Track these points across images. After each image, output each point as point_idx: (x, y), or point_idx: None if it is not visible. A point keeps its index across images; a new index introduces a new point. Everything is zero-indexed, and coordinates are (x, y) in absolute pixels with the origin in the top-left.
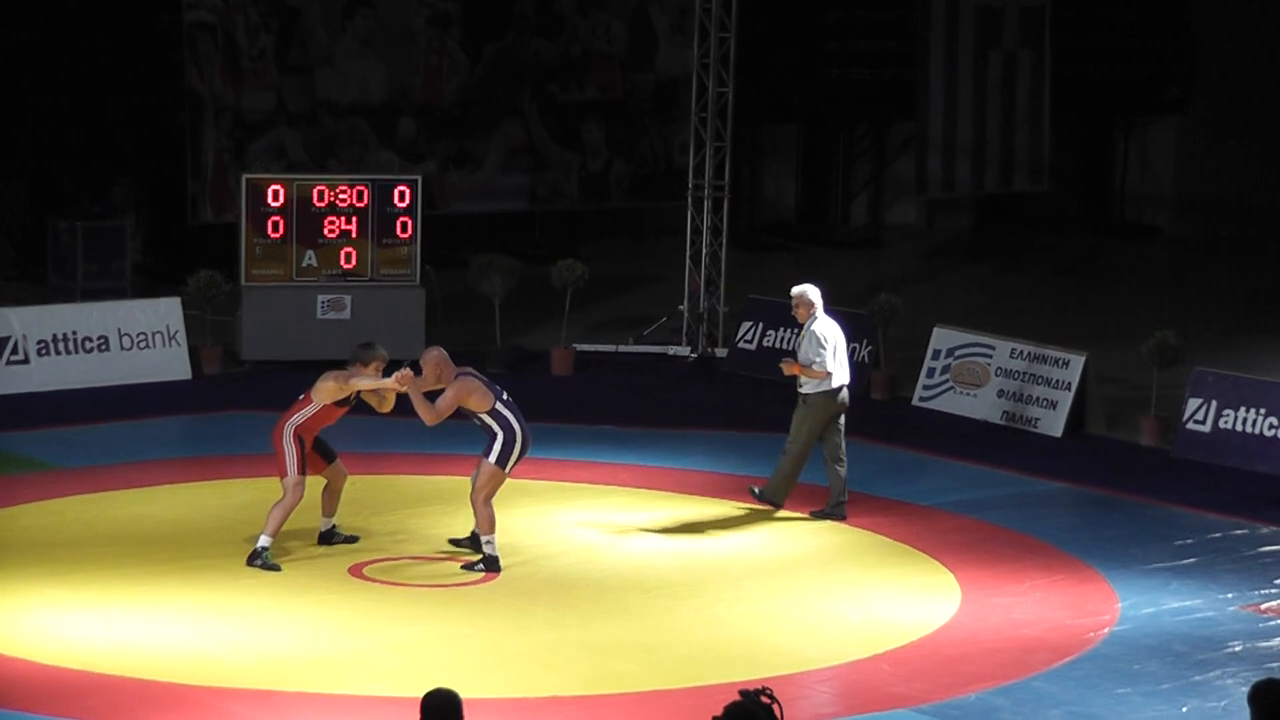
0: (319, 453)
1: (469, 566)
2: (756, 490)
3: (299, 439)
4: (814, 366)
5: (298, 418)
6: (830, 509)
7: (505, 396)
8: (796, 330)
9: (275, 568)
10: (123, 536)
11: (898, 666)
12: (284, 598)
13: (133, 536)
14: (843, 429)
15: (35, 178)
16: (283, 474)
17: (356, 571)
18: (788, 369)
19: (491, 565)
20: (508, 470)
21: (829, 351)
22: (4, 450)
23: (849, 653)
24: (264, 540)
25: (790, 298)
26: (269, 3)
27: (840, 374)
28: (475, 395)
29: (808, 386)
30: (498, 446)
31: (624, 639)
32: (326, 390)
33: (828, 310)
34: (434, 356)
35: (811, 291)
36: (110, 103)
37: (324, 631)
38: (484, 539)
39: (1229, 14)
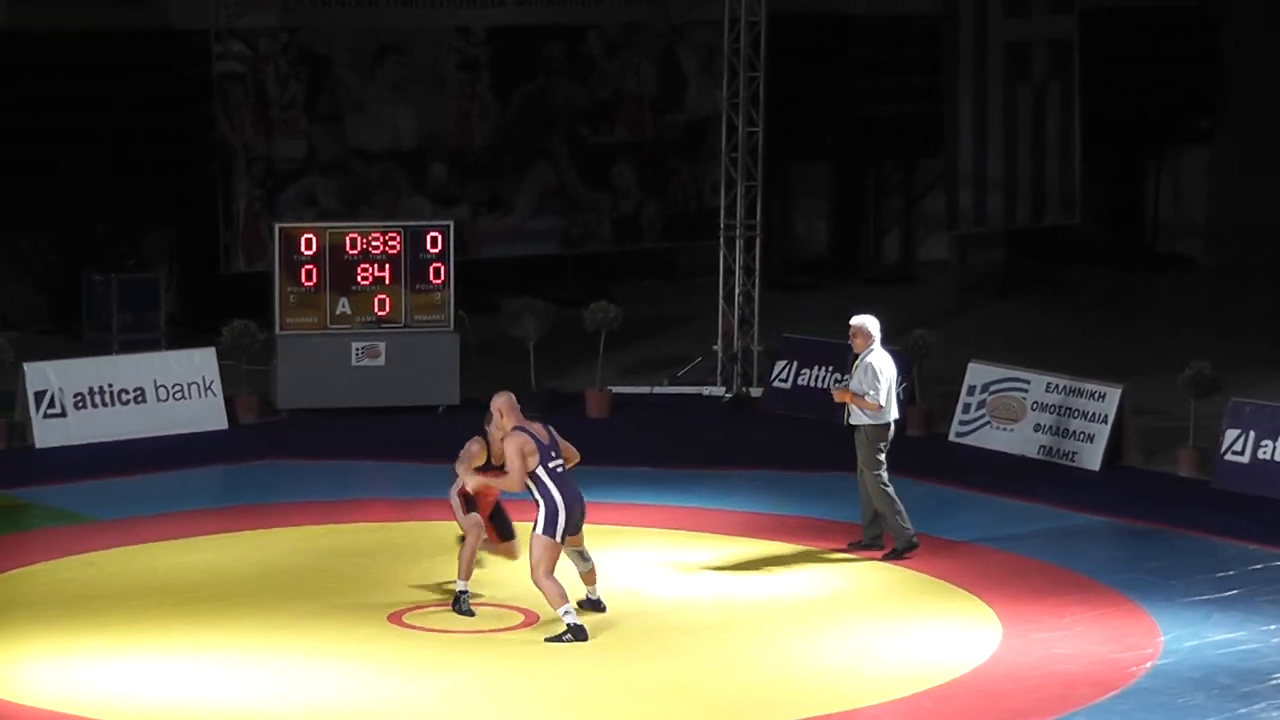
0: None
1: (554, 639)
2: (894, 551)
3: (465, 498)
4: (867, 398)
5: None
6: (867, 541)
7: (553, 463)
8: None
9: (470, 613)
10: (162, 588)
11: (940, 704)
12: (324, 646)
13: (172, 587)
14: (884, 463)
15: (68, 230)
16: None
17: (396, 619)
18: (839, 396)
19: (579, 634)
20: (559, 539)
21: (883, 385)
22: (43, 504)
23: (891, 691)
24: (460, 585)
25: (849, 328)
26: (299, 51)
27: (891, 409)
28: (528, 453)
29: (857, 418)
30: (541, 517)
31: (666, 681)
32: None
33: (884, 345)
34: (503, 403)
35: (871, 323)
36: (142, 154)
37: (364, 680)
38: (560, 611)
39: (1257, 42)
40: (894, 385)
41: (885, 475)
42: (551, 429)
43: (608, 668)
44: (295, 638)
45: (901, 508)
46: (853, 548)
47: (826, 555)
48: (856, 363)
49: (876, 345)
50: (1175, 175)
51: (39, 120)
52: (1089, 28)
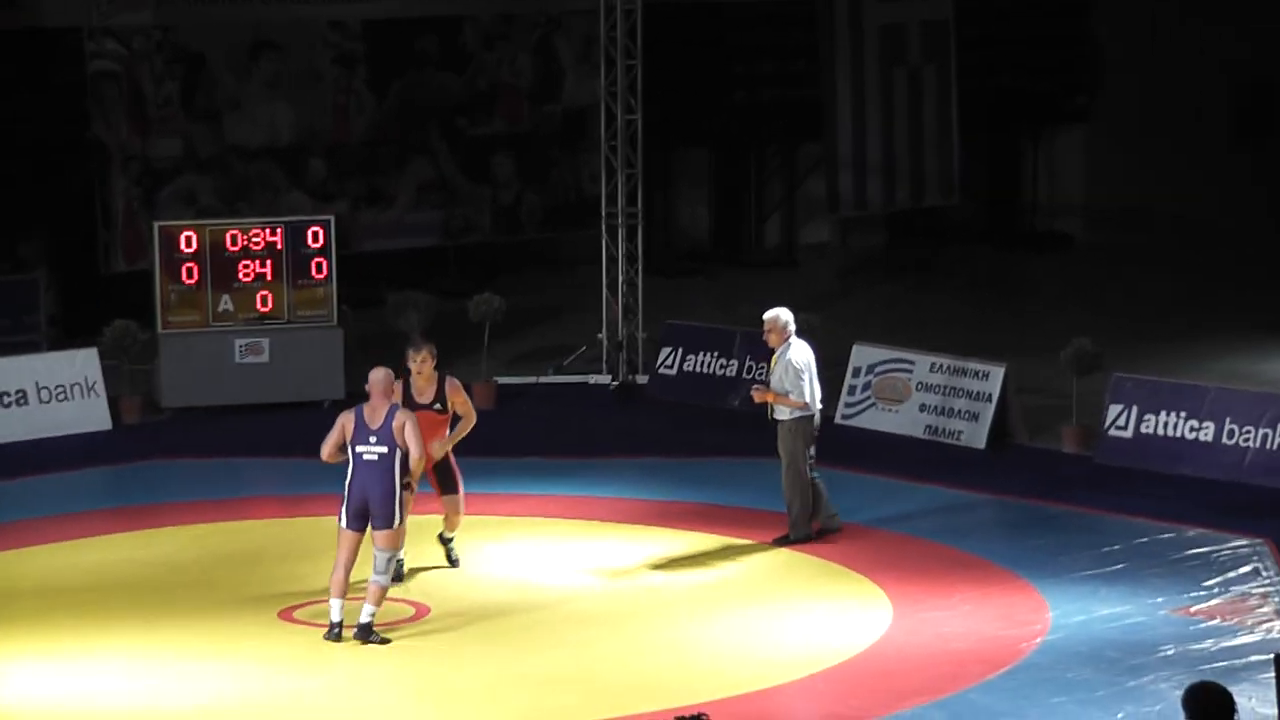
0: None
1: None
2: (785, 537)
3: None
4: (790, 396)
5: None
6: (823, 528)
7: (361, 446)
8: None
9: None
10: (49, 590)
11: (833, 685)
12: (215, 644)
13: (60, 589)
14: (814, 454)
15: None
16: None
17: (286, 615)
18: (759, 396)
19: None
20: (341, 524)
21: (805, 380)
22: None
23: (784, 674)
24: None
25: (763, 322)
26: (173, 49)
27: (815, 401)
28: (345, 425)
29: (782, 413)
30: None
31: (560, 671)
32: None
33: (799, 334)
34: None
35: (785, 315)
36: (16, 154)
37: (256, 677)
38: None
39: (1129, 22)
40: (815, 377)
41: (809, 467)
42: (397, 417)
43: (500, 659)
44: (185, 636)
45: (813, 505)
46: (777, 543)
47: (716, 541)
48: (774, 358)
49: (793, 338)
50: (1051, 155)
51: None
52: (963, 9)
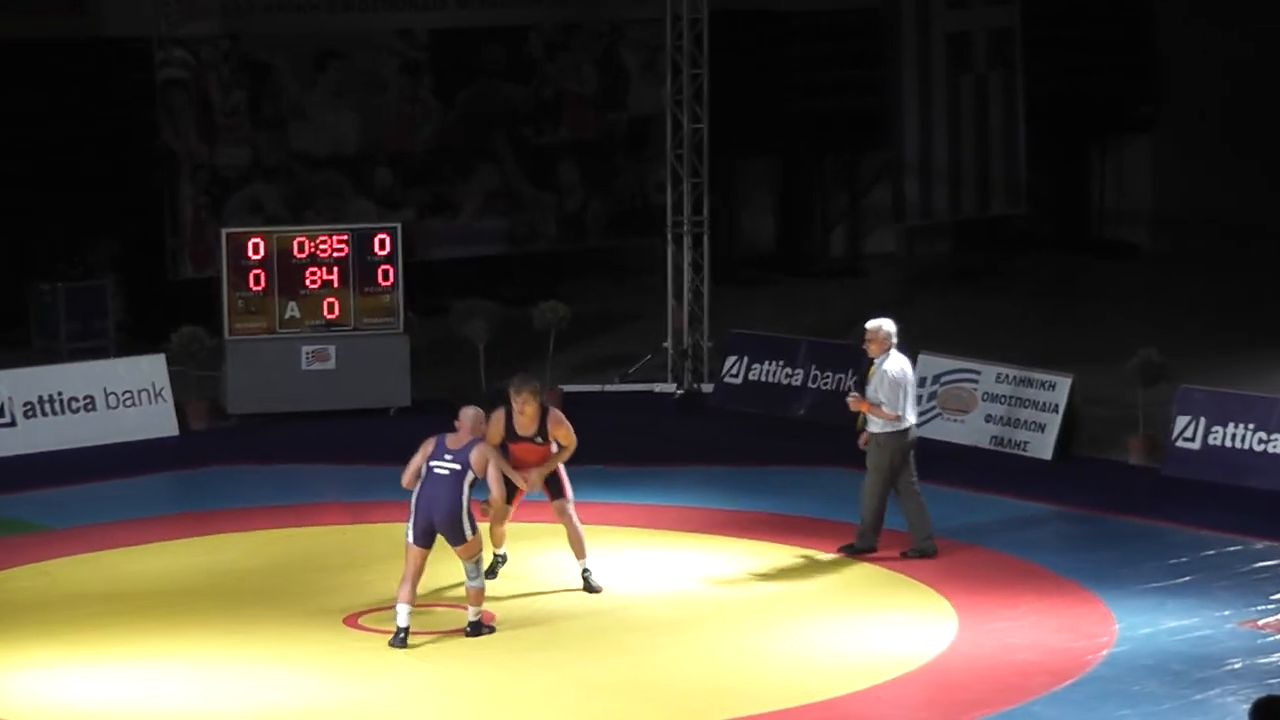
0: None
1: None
2: (851, 546)
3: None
4: (884, 408)
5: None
6: (919, 546)
7: (435, 462)
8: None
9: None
10: (114, 595)
11: (896, 697)
12: (278, 650)
13: (124, 595)
14: (914, 466)
15: (15, 240)
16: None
17: (352, 621)
18: (854, 404)
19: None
20: (409, 539)
21: (901, 392)
22: None
23: (846, 685)
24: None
25: (864, 332)
26: (240, 58)
27: (911, 414)
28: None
29: (875, 426)
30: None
31: (621, 678)
32: (481, 461)
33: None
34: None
35: (887, 325)
36: (87, 162)
37: (320, 683)
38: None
39: (1195, 30)
40: (911, 391)
41: (884, 484)
42: (479, 449)
43: (563, 665)
44: (249, 643)
45: (882, 523)
46: (905, 557)
47: (780, 550)
48: (873, 368)
49: (893, 350)
50: (1119, 162)
51: None
52: (1030, 16)
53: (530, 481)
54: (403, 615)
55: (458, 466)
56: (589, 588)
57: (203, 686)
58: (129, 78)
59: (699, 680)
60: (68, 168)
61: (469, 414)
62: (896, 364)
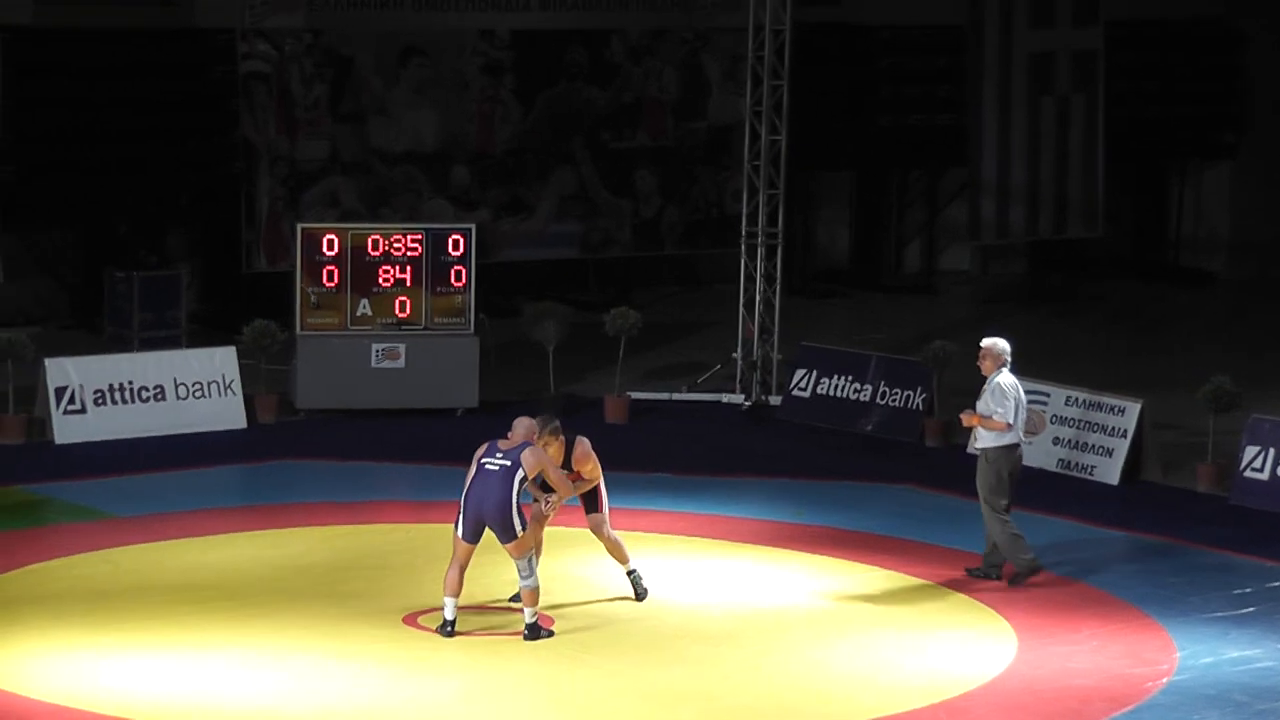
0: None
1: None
2: (980, 569)
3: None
4: (994, 416)
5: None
6: (985, 568)
7: (487, 459)
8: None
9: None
10: (178, 585)
11: (954, 716)
12: (338, 647)
13: (188, 585)
14: (1013, 489)
15: (91, 227)
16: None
17: (411, 620)
18: (967, 420)
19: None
20: (456, 532)
21: (1012, 405)
22: (61, 499)
23: (905, 702)
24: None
25: (977, 349)
26: (323, 52)
27: (1017, 431)
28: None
29: (984, 441)
30: None
31: (680, 688)
32: (533, 462)
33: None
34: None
35: (1001, 344)
36: (166, 152)
37: (377, 681)
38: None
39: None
40: (1023, 407)
41: (1005, 504)
42: (531, 452)
43: (622, 673)
44: (309, 638)
45: (1018, 536)
46: (970, 574)
47: (843, 565)
48: (984, 386)
49: (1005, 370)
50: (1198, 189)
51: (63, 118)
52: (1114, 40)
53: (550, 505)
54: (449, 608)
55: (508, 463)
56: (637, 591)
57: (262, 680)
58: (212, 69)
59: (758, 693)
60: (147, 157)
61: (522, 423)
62: (1007, 379)
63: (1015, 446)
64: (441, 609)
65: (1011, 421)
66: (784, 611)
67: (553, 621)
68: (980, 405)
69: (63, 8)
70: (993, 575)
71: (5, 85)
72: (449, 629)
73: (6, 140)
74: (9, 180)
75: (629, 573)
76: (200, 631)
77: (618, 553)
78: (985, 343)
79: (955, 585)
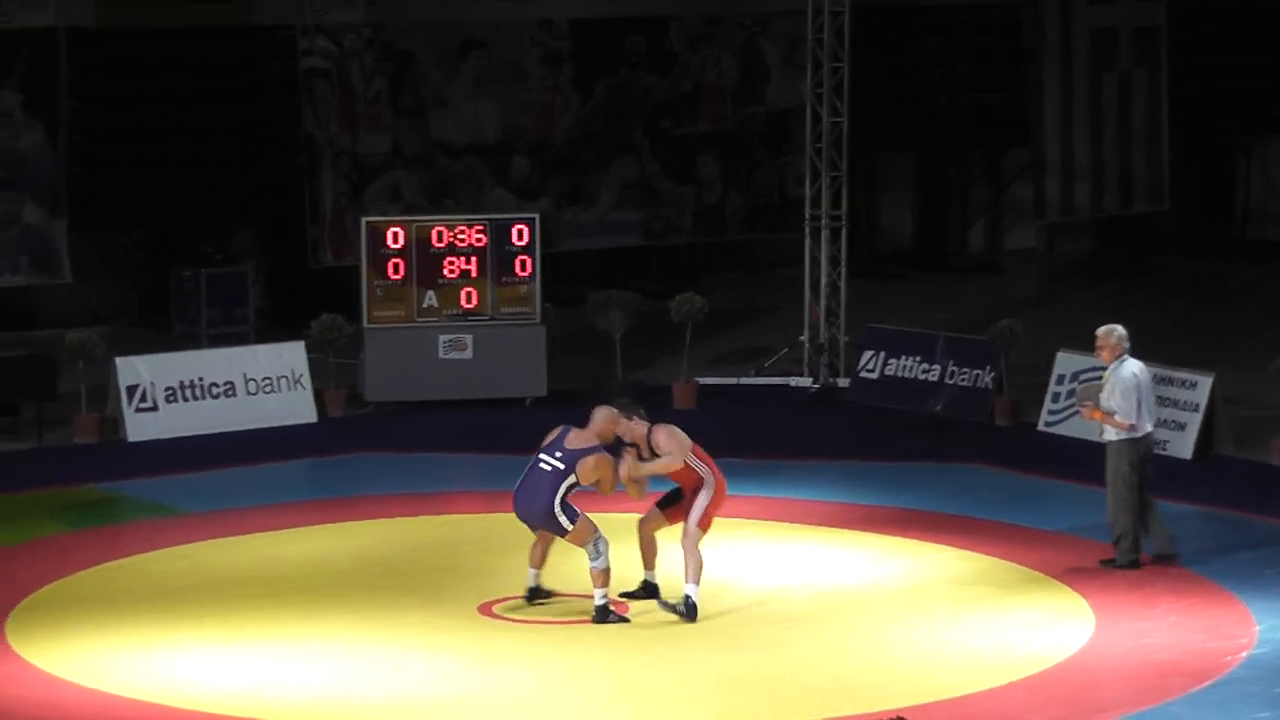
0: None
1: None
2: (1112, 561)
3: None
4: (1116, 416)
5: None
6: (1158, 549)
7: (545, 455)
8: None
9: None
10: (252, 579)
11: (1031, 694)
12: (414, 637)
13: (262, 579)
14: (1150, 475)
15: (157, 225)
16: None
17: (486, 610)
18: (1087, 414)
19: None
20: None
21: (1134, 400)
22: (134, 497)
23: (981, 681)
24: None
25: (1095, 337)
26: (383, 46)
27: (1145, 422)
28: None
29: (1110, 434)
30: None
31: (752, 672)
32: (589, 471)
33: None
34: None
35: (1119, 331)
36: (229, 149)
37: (452, 670)
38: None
39: None
40: (1147, 397)
41: (1129, 490)
42: (591, 458)
43: (696, 659)
44: (384, 629)
45: (1155, 523)
46: (1103, 565)
47: (914, 545)
48: (1105, 375)
49: (1127, 356)
50: (1265, 163)
51: (127, 117)
52: (1176, 13)
53: (625, 472)
54: (531, 577)
55: (561, 466)
56: (655, 598)
57: (337, 672)
58: (273, 65)
59: (831, 675)
60: (211, 154)
61: (600, 415)
62: (1129, 370)
63: (1144, 437)
64: (517, 596)
65: (1133, 421)
66: (856, 593)
67: (627, 608)
68: (1103, 398)
69: (123, 8)
70: (1169, 550)
71: (70, 87)
72: (529, 596)
73: (73, 141)
74: (76, 181)
75: (646, 582)
76: (275, 625)
77: (649, 551)
78: (1101, 331)
79: (1030, 564)
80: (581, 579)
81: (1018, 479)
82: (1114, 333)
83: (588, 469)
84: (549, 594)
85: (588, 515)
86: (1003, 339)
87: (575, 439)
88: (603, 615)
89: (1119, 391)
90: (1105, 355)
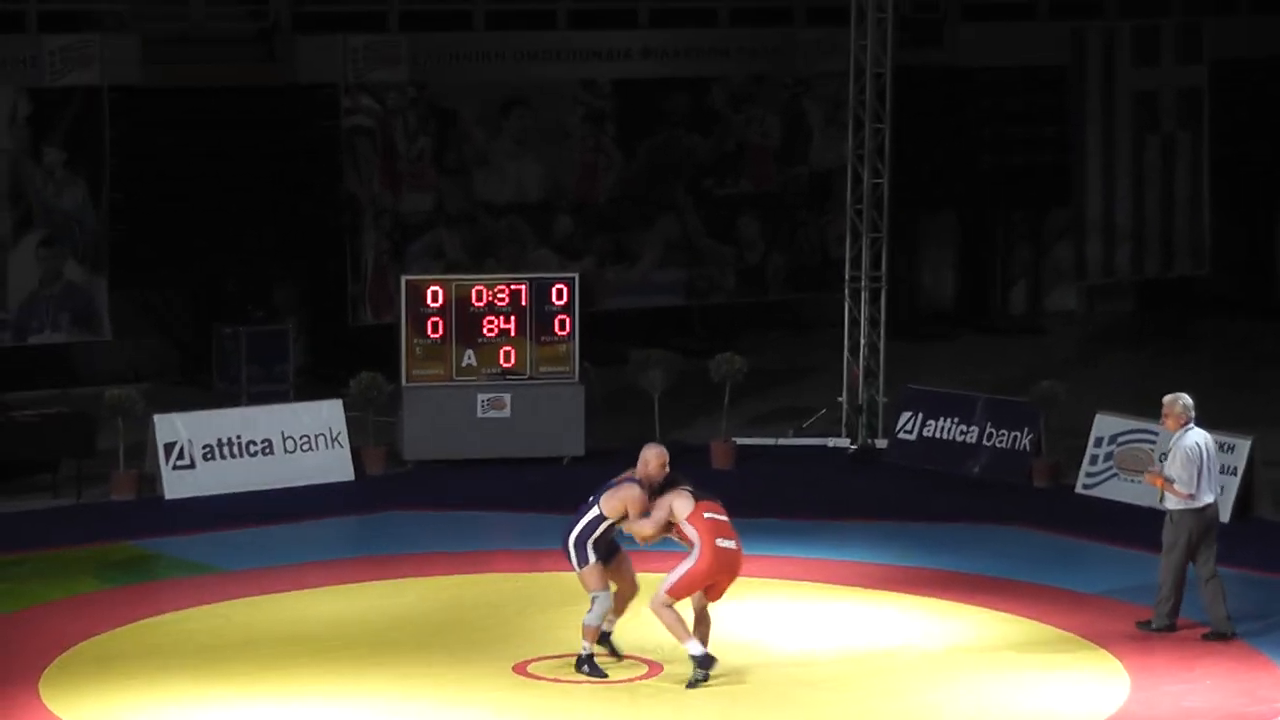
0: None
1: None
2: (1147, 623)
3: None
4: (1177, 485)
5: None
6: (1216, 630)
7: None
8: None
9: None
10: (289, 638)
11: None
12: (450, 696)
13: (299, 637)
14: (1215, 546)
15: (199, 283)
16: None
17: (521, 669)
18: (1150, 479)
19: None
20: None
21: (1195, 470)
22: (171, 554)
23: None
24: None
25: (1161, 405)
26: (426, 105)
27: (1206, 493)
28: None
29: (1171, 503)
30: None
31: None
32: (612, 503)
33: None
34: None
35: (1184, 399)
36: (272, 207)
37: None
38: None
39: None
40: (1210, 467)
41: (1181, 559)
42: (618, 493)
43: (729, 718)
44: (421, 688)
45: (1180, 599)
46: (1140, 628)
47: (952, 608)
48: (1172, 443)
49: (1192, 425)
50: None
51: (170, 175)
52: (1218, 77)
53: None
54: (607, 621)
55: (590, 499)
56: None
57: None
58: (315, 124)
59: None
60: (253, 211)
61: (646, 453)
62: (1193, 439)
63: (1204, 508)
64: (553, 656)
65: (1192, 491)
66: (893, 655)
67: (661, 670)
68: (1167, 466)
69: (167, 67)
70: (1226, 631)
71: (113, 145)
72: (600, 638)
73: (115, 199)
74: (118, 238)
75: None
76: (311, 683)
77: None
78: (1167, 399)
79: (1066, 626)
80: (633, 641)
81: (1056, 541)
82: (1179, 401)
83: (610, 500)
84: (613, 649)
85: (602, 568)
86: (1043, 400)
87: (620, 478)
88: (579, 664)
89: (1180, 461)
90: (1170, 424)
